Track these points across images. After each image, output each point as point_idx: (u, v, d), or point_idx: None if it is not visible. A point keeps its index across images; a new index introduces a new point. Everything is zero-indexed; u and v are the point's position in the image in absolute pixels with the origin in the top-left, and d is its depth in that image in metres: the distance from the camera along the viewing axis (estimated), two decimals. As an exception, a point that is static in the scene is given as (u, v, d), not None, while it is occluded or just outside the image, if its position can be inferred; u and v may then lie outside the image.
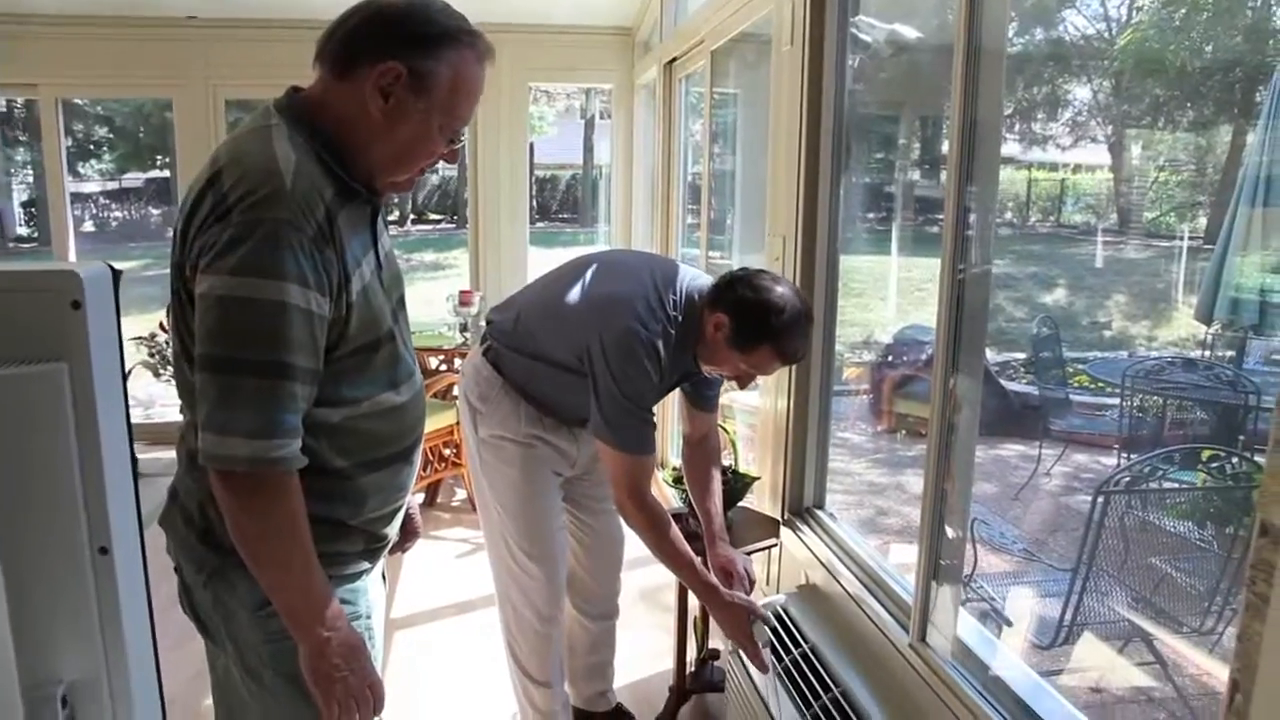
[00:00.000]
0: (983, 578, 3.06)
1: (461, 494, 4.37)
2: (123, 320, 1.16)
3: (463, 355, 4.23)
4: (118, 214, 17.81)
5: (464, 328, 4.81)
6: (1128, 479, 2.97)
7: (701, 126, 4.09)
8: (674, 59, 4.11)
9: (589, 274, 1.98)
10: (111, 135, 16.88)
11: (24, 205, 16.68)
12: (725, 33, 3.32)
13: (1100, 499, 2.59)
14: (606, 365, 1.83)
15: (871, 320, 7.63)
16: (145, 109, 15.16)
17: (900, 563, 2.14)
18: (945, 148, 1.80)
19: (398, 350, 1.27)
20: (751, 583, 2.13)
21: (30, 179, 16.26)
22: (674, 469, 2.75)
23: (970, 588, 2.86)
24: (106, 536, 1.07)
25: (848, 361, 6.39)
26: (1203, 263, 5.90)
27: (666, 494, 3.13)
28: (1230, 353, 5.20)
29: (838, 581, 2.16)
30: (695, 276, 1.99)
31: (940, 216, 1.76)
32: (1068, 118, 11.25)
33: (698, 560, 1.97)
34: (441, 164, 1.27)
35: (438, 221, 18.99)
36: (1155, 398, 4.29)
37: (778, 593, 2.44)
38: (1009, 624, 2.84)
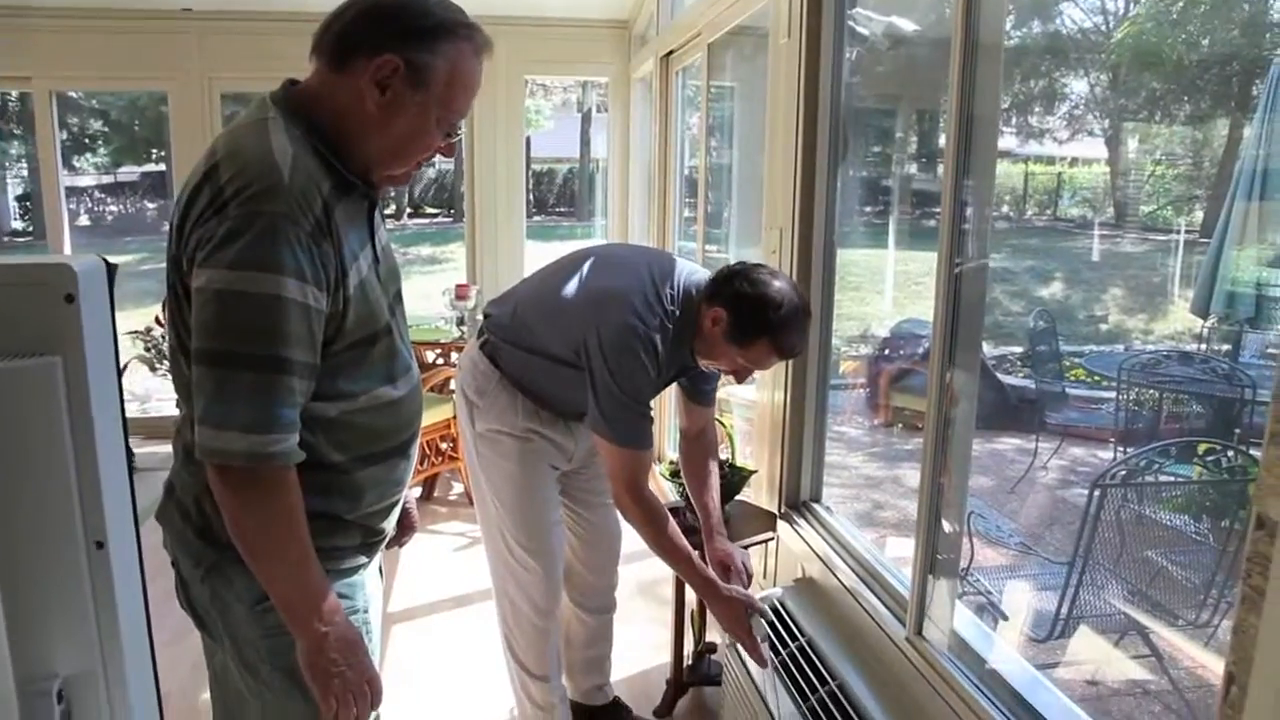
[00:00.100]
0: (979, 571, 3.06)
1: (458, 488, 4.37)
2: (119, 315, 1.16)
3: (459, 349, 4.22)
4: (113, 208, 17.77)
5: (461, 321, 4.80)
6: (1124, 472, 2.98)
7: (698, 120, 4.08)
8: (671, 52, 4.10)
9: (586, 268, 1.98)
10: (106, 129, 16.80)
11: (18, 199, 16.64)
12: (722, 25, 3.31)
13: (1096, 492, 2.60)
14: (604, 360, 1.82)
15: (868, 314, 7.62)
16: (140, 102, 15.10)
17: (897, 556, 2.14)
18: (942, 141, 1.80)
19: (395, 344, 1.26)
20: (749, 576, 2.14)
21: (24, 173, 16.21)
22: (671, 463, 2.75)
23: (967, 581, 2.87)
24: (102, 531, 1.07)
25: (844, 355, 6.39)
26: (1199, 256, 5.91)
27: (664, 488, 3.13)
28: (1226, 346, 5.21)
29: (834, 575, 2.16)
30: (692, 271, 1.99)
31: (937, 210, 1.75)
32: (1065, 111, 11.25)
33: (695, 554, 1.97)
34: (438, 158, 1.26)
35: (434, 215, 18.97)
36: (1151, 391, 4.30)
37: (775, 586, 2.45)
38: (1005, 617, 2.84)
